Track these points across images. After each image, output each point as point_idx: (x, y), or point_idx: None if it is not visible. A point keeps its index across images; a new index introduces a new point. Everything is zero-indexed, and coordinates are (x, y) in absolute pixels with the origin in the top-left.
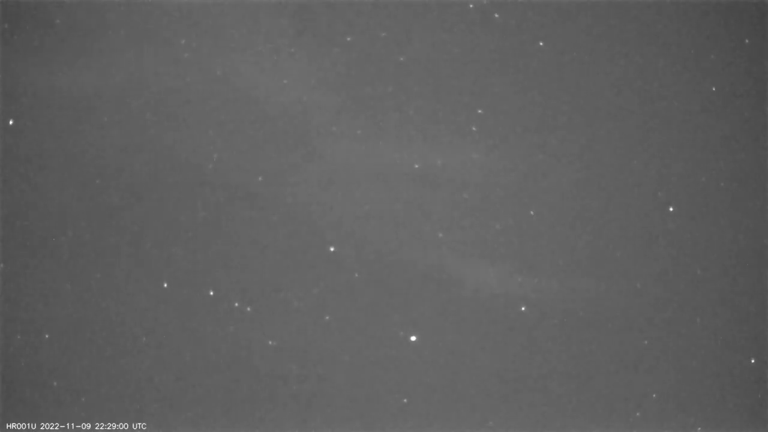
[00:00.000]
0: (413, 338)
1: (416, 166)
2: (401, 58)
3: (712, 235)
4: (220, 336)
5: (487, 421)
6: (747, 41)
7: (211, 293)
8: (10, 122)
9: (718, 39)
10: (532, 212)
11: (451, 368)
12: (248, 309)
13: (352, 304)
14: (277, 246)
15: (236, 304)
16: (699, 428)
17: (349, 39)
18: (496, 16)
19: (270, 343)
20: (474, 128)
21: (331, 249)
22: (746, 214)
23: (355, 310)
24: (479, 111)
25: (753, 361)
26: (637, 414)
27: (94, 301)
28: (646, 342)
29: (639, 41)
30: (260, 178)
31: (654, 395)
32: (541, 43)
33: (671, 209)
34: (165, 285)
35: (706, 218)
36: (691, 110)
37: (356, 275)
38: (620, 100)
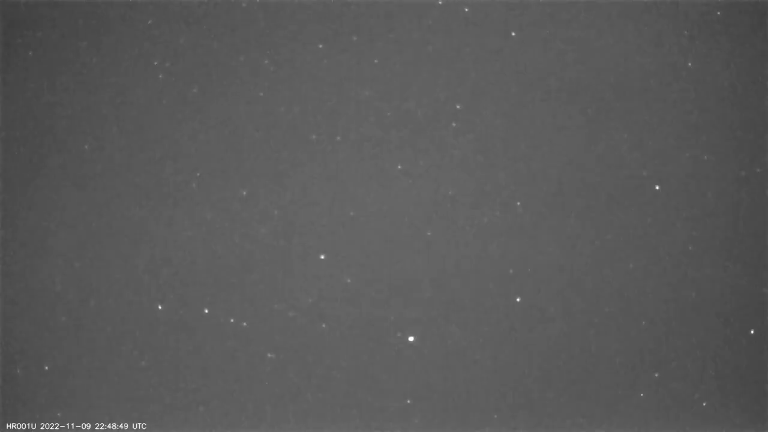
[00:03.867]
0: (411, 338)
1: (399, 167)
2: (375, 61)
3: (701, 211)
4: (218, 352)
5: (492, 415)
6: (747, 41)
7: (206, 311)
8: None
9: (718, 39)
10: (518, 203)
11: (453, 365)
12: (244, 324)
13: (347, 309)
14: (267, 259)
15: (232, 320)
16: (704, 403)
17: (321, 46)
18: (466, 10)
19: (269, 355)
20: (454, 124)
21: (322, 257)
22: (735, 190)
23: (350, 315)
24: (457, 107)
25: (752, 332)
26: (641, 395)
27: (90, 331)
28: (643, 322)
29: (620, 34)
30: (244, 193)
31: (656, 374)
32: (513, 34)
33: (657, 188)
34: (160, 307)
35: (693, 195)
36: (674, 98)
37: (348, 280)
38: (601, 88)
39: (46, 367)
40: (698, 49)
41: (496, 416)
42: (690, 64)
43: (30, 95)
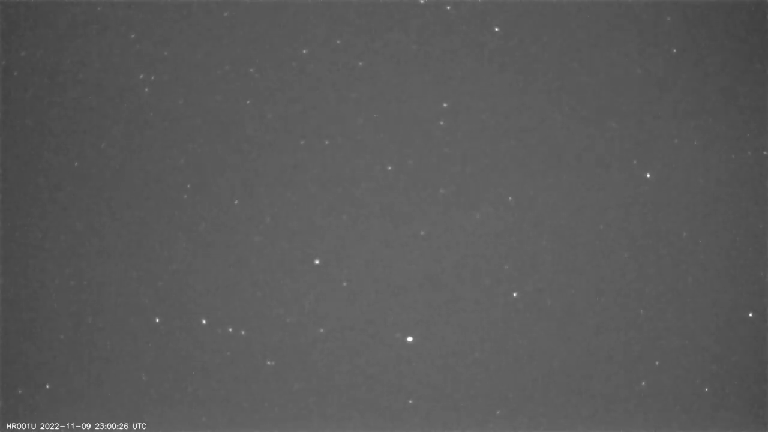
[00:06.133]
0: (410, 339)
1: (389, 168)
2: (360, 63)
3: (695, 198)
4: (218, 362)
5: (495, 411)
6: (747, 41)
7: (204, 322)
8: None
9: (718, 39)
10: (510, 198)
11: (452, 364)
12: (242, 332)
13: (345, 313)
14: (263, 266)
15: (230, 329)
16: (706, 389)
17: (305, 51)
18: (448, 8)
19: (268, 363)
20: (441, 123)
21: (316, 262)
22: (728, 175)
23: (348, 319)
24: (444, 105)
25: (750, 315)
26: (643, 384)
27: (88, 346)
28: (641, 311)
29: (608, 27)
30: (236, 201)
31: (657, 363)
32: (496, 29)
33: (648, 176)
34: (157, 320)
35: (686, 181)
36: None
37: (344, 284)
38: (587, 81)
39: (47, 386)
40: (686, 38)
41: (498, 412)
42: (674, 50)
43: (30, 95)
